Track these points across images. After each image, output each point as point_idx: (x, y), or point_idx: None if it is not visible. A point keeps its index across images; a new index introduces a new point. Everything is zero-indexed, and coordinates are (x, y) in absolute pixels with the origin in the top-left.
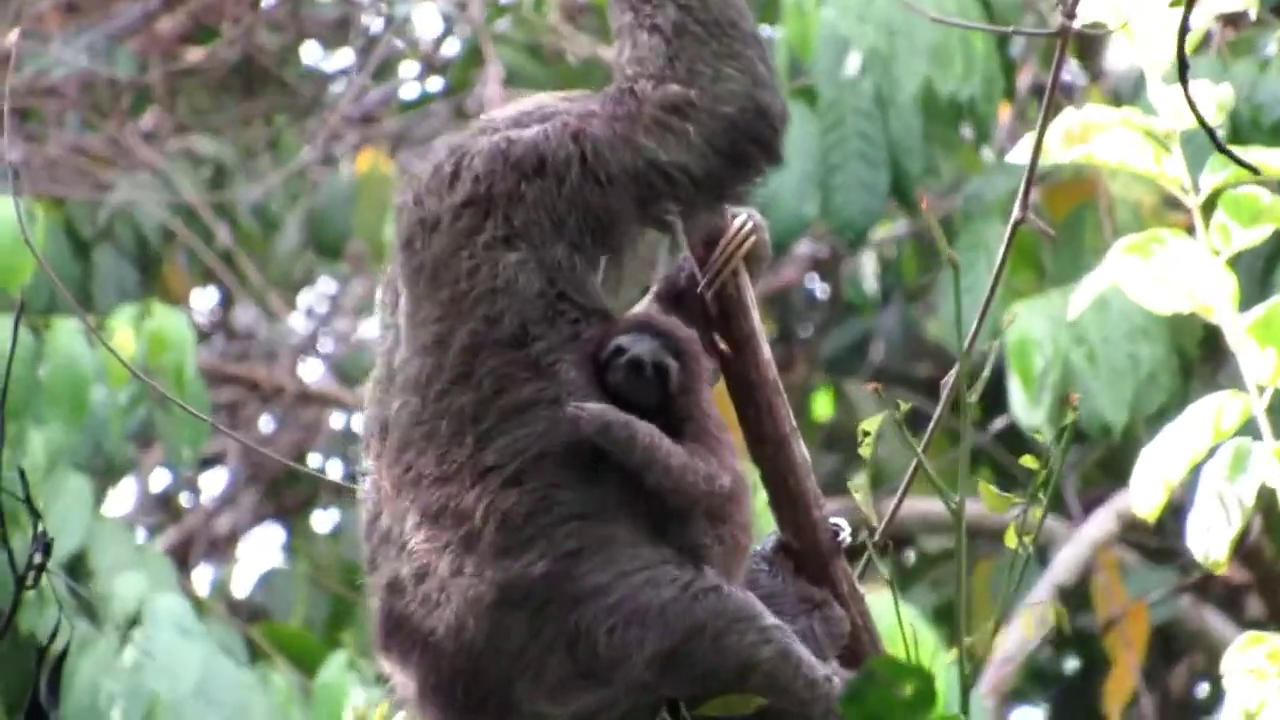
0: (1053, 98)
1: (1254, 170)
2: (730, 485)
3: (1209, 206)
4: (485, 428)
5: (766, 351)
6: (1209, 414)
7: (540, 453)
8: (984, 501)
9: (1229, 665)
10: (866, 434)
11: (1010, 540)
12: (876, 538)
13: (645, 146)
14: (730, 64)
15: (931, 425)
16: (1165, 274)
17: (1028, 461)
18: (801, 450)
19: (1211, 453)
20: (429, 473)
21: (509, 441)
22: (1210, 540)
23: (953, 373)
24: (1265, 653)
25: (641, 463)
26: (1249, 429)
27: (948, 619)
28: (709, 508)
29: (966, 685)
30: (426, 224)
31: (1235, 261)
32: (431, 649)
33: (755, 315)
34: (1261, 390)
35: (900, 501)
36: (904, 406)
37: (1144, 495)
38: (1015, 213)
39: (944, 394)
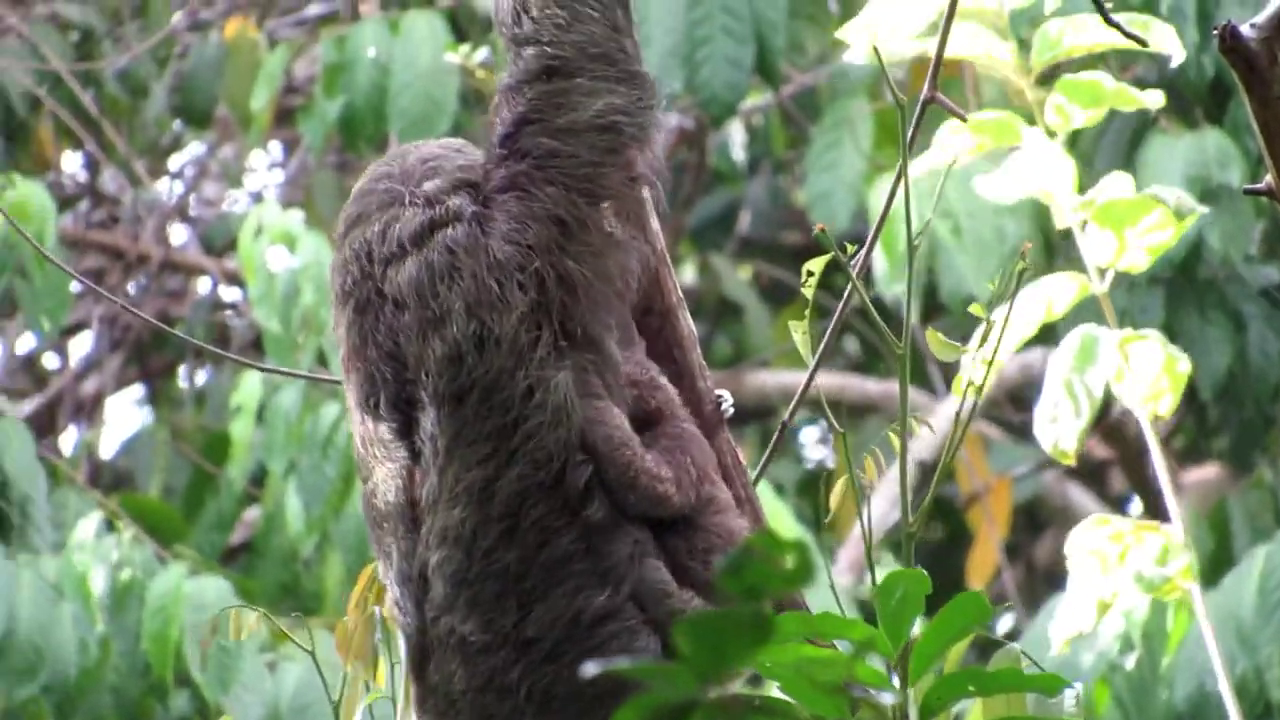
0: None
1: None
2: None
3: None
4: (527, 588)
5: (655, 222)
6: (1043, 296)
7: (574, 617)
8: (933, 349)
9: (1072, 547)
10: (810, 274)
11: (956, 389)
12: (788, 416)
13: (560, 121)
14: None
15: (838, 315)
16: (1008, 161)
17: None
18: (688, 321)
19: (1043, 333)
20: (474, 640)
21: (546, 609)
22: (1059, 431)
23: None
24: (1108, 535)
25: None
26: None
27: (811, 492)
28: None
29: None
30: (486, 340)
31: (1072, 142)
32: None
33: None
34: (1103, 273)
35: (810, 381)
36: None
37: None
38: (925, 91)
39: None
